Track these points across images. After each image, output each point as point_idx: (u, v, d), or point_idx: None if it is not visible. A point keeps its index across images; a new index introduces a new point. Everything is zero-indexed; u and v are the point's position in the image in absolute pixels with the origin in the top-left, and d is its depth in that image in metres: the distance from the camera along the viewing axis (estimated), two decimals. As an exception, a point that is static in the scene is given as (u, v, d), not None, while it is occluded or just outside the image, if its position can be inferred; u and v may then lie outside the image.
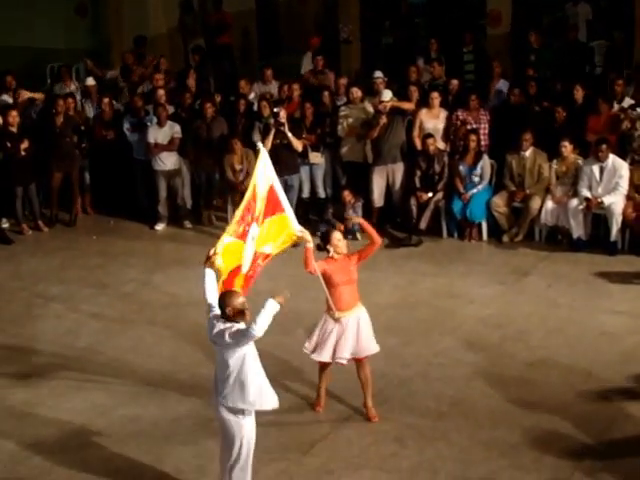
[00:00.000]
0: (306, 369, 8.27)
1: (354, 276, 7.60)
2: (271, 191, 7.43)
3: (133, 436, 7.68)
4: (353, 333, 7.57)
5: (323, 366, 7.78)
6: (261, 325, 6.15)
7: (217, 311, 6.43)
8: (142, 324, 9.89)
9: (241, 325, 6.30)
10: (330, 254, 7.55)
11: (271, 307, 6.23)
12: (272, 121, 11.92)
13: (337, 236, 7.62)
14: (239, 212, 7.18)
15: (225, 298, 6.37)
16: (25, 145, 12.54)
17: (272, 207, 7.41)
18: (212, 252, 6.83)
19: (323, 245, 7.60)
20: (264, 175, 7.40)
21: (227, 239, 7.00)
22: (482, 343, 9.13)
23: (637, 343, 8.95)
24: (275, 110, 12.02)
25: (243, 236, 7.10)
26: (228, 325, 6.29)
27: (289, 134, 11.87)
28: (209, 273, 6.76)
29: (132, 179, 13.25)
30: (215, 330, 6.32)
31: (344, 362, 7.63)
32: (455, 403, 8.04)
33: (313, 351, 7.64)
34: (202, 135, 12.72)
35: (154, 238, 12.79)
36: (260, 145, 7.60)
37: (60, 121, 12.87)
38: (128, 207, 13.26)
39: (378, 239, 7.78)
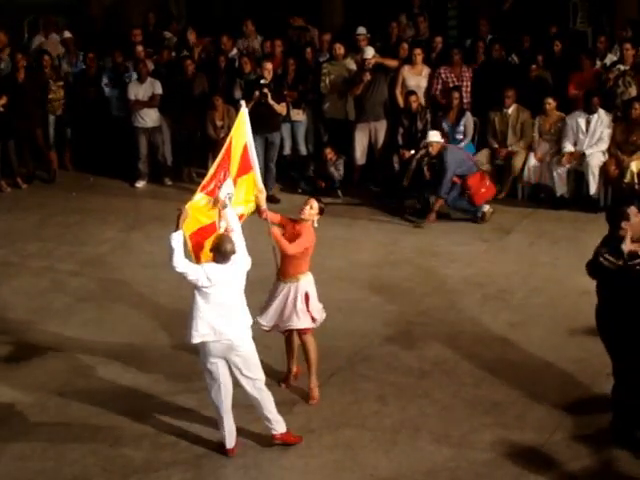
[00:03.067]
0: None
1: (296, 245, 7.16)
2: (245, 149, 7.30)
3: (113, 397, 7.60)
4: (289, 302, 7.26)
5: (286, 339, 7.60)
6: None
7: (191, 273, 6.52)
8: (120, 284, 9.79)
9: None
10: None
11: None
12: (257, 94, 11.72)
13: (312, 202, 7.25)
14: (212, 169, 7.05)
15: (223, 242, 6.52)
16: (3, 101, 12.33)
17: (244, 166, 7.28)
18: (183, 215, 6.66)
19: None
20: (242, 133, 7.27)
21: (197, 196, 6.89)
22: (464, 302, 9.11)
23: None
24: (262, 82, 11.84)
25: (212, 193, 6.95)
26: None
27: (272, 102, 11.68)
28: (177, 238, 6.56)
29: (112, 136, 13.07)
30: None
31: (267, 328, 7.41)
32: (437, 362, 8.02)
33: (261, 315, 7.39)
34: (183, 92, 12.56)
35: (134, 195, 12.69)
36: (243, 103, 7.42)
37: (21, 77, 12.61)
38: (108, 164, 13.11)
39: (285, 250, 7.19)
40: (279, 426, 6.78)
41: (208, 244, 6.75)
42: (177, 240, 6.55)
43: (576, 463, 6.58)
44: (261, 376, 6.71)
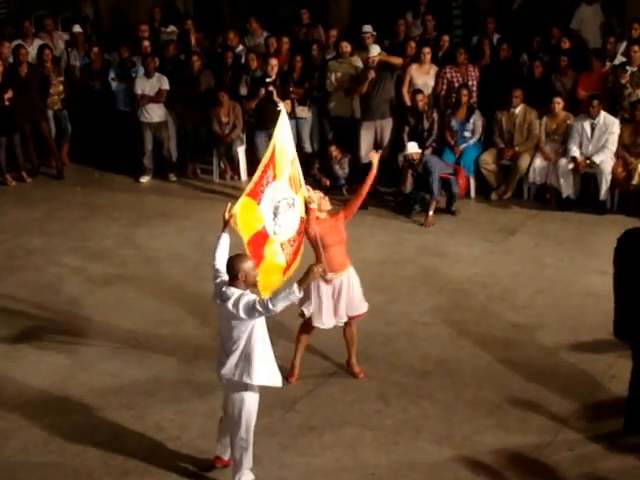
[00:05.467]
0: (289, 324, 8.20)
1: (344, 235, 7.45)
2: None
3: (114, 392, 7.61)
4: (346, 293, 7.45)
5: (302, 336, 7.64)
6: (279, 305, 5.86)
7: (225, 277, 6.15)
8: (124, 279, 9.78)
9: (252, 296, 5.96)
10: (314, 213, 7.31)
11: (294, 292, 5.88)
12: (262, 91, 11.66)
13: (320, 194, 7.41)
14: (257, 173, 6.98)
15: (235, 262, 6.04)
16: (9, 95, 12.33)
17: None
18: (227, 214, 6.60)
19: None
20: (281, 136, 7.19)
21: (241, 198, 6.83)
22: (468, 302, 9.07)
23: (624, 304, 8.89)
24: (267, 80, 11.80)
25: (256, 196, 6.90)
26: (238, 294, 5.96)
27: (277, 99, 11.64)
28: (224, 238, 6.54)
29: (116, 131, 13.06)
30: (227, 299, 5.97)
31: (342, 323, 7.56)
32: (440, 362, 7.99)
33: (311, 317, 7.44)
34: (188, 88, 12.54)
35: (138, 191, 12.67)
36: (282, 106, 7.39)
37: (24, 71, 12.61)
38: (113, 159, 13.09)
39: (365, 191, 7.59)
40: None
41: (270, 264, 6.81)
42: (224, 240, 6.53)
43: (579, 467, 6.54)
44: (244, 436, 6.23)
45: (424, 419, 7.16)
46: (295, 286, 5.91)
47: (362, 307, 7.60)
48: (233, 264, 6.05)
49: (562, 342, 8.26)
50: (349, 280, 7.47)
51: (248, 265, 6.06)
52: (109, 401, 7.46)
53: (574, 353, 8.06)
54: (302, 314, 7.49)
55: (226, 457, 6.56)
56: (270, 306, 5.85)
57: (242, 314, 5.93)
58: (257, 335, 6.06)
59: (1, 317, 8.97)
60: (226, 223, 6.62)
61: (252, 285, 6.15)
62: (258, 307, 5.88)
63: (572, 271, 9.71)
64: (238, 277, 6.02)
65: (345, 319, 7.55)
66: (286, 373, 7.47)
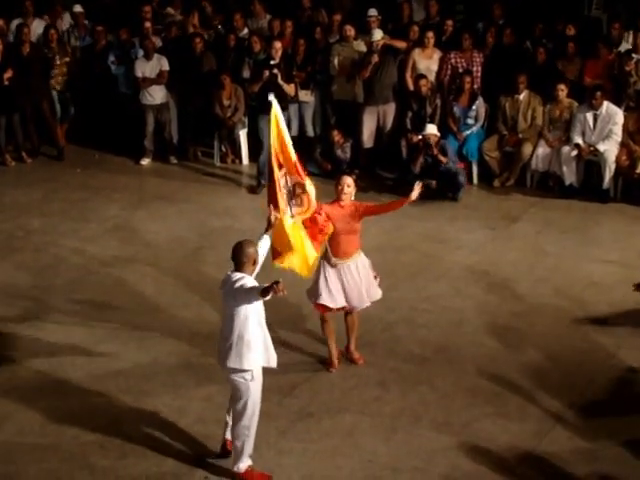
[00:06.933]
0: (287, 311, 8.18)
1: (355, 227, 7.33)
2: (283, 145, 7.14)
3: (112, 374, 7.57)
4: (347, 283, 7.38)
5: (325, 325, 7.57)
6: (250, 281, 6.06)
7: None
8: (123, 261, 9.74)
9: (249, 281, 6.03)
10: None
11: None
12: (267, 73, 11.60)
13: (347, 181, 7.28)
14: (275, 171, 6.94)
15: (242, 247, 6.11)
16: (9, 74, 12.24)
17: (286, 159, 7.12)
18: (274, 217, 6.73)
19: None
20: (276, 132, 7.10)
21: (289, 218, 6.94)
22: (469, 290, 9.03)
23: (626, 294, 8.78)
24: (272, 63, 11.72)
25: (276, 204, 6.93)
26: (239, 276, 6.04)
27: (282, 83, 11.56)
28: (266, 240, 6.61)
29: (117, 113, 12.99)
30: (229, 283, 6.06)
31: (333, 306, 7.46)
32: (440, 349, 7.96)
33: (321, 298, 7.37)
34: (191, 70, 12.47)
35: (139, 173, 12.61)
36: (272, 97, 7.28)
37: (26, 51, 12.53)
38: (113, 141, 13.03)
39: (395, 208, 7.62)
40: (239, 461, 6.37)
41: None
42: (265, 242, 6.59)
43: (577, 456, 6.51)
44: (247, 424, 6.23)
45: (423, 406, 7.13)
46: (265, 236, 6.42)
47: (363, 303, 7.52)
48: (240, 250, 6.11)
49: (563, 331, 8.22)
50: (352, 272, 7.37)
51: (253, 250, 6.15)
52: (107, 384, 7.42)
53: (574, 342, 8.02)
54: (314, 302, 7.45)
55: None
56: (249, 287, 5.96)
57: (236, 296, 6.01)
58: (252, 321, 6.09)
59: (0, 298, 8.90)
60: (270, 224, 6.71)
61: (255, 264, 6.19)
62: (245, 291, 5.97)
63: (574, 260, 9.67)
64: (244, 262, 6.09)
65: (344, 305, 7.48)
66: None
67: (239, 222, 10.42)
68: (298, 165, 7.09)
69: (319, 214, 7.15)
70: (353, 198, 7.35)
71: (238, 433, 6.27)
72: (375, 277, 7.53)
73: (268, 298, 5.91)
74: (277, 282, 5.74)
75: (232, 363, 6.13)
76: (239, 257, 6.11)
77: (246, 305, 6.04)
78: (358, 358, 7.72)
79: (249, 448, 6.30)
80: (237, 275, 6.09)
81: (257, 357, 6.14)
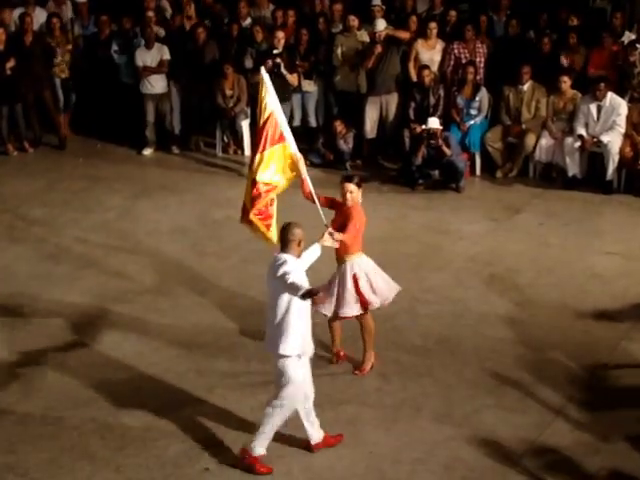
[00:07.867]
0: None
1: (347, 231, 7.07)
2: (271, 118, 7.09)
3: (112, 363, 7.57)
4: (336, 288, 7.22)
5: (331, 323, 7.50)
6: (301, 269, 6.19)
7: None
8: (125, 251, 9.72)
9: (289, 268, 6.06)
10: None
11: (316, 251, 6.45)
12: (269, 63, 11.57)
13: (349, 187, 7.16)
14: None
15: (290, 228, 6.22)
16: (11, 64, 12.22)
17: (273, 136, 7.07)
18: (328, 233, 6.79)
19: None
20: (269, 102, 7.06)
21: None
22: (471, 281, 9.01)
23: (628, 286, 8.83)
24: (275, 52, 11.66)
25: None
26: (284, 259, 6.13)
27: (285, 72, 11.51)
28: (316, 248, 6.59)
29: (120, 102, 12.96)
30: (276, 265, 6.14)
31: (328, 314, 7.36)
32: (441, 340, 7.94)
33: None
34: (193, 59, 12.43)
35: (141, 163, 12.60)
36: (263, 71, 7.21)
37: (29, 40, 12.50)
38: (116, 130, 13.01)
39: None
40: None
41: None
42: (315, 250, 6.61)
43: (578, 448, 6.50)
44: (279, 403, 6.28)
45: (424, 397, 7.12)
46: (316, 245, 6.47)
47: (348, 312, 7.28)
48: (288, 229, 6.21)
49: (565, 323, 8.20)
50: (345, 273, 7.20)
51: (300, 230, 6.23)
52: (107, 375, 7.42)
53: (576, 334, 8.00)
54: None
55: (315, 439, 6.54)
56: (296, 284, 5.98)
57: (279, 283, 6.07)
58: (295, 307, 6.14)
59: (0, 288, 8.90)
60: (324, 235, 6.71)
61: (300, 245, 6.26)
62: (288, 285, 6.00)
63: (576, 251, 9.64)
64: (291, 240, 6.17)
65: (340, 315, 7.33)
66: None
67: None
68: (277, 134, 7.03)
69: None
70: (360, 200, 7.27)
71: (270, 408, 6.30)
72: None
73: (306, 302, 6.01)
74: (317, 292, 5.89)
75: (269, 346, 6.25)
76: (286, 236, 6.20)
77: (287, 294, 6.10)
78: (362, 370, 7.52)
79: (271, 430, 6.30)
80: (281, 258, 6.15)
81: (294, 345, 6.17)
